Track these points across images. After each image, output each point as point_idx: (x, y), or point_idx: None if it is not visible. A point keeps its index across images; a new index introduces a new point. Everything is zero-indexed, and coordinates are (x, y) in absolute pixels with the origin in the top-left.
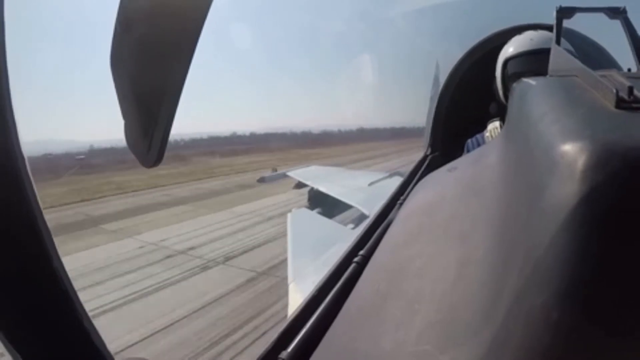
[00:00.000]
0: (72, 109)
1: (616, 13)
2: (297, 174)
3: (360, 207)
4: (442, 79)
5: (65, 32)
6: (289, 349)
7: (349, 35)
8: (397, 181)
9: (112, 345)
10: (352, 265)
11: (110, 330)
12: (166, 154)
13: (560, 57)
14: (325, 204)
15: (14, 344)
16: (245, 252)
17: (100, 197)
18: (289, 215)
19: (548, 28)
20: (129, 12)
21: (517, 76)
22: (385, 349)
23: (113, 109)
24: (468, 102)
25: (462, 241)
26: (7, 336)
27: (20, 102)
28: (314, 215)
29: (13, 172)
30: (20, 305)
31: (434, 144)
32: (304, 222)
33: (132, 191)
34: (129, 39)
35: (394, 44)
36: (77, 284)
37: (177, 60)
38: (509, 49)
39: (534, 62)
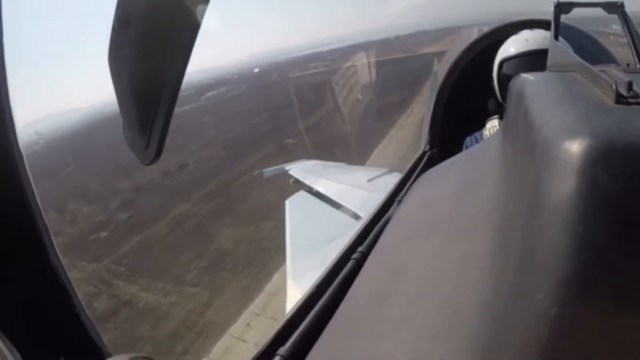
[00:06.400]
0: None
1: (614, 8)
2: (295, 169)
3: (358, 204)
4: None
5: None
6: (287, 345)
7: None
8: (395, 178)
9: None
10: (351, 262)
11: None
12: None
13: (559, 53)
14: (324, 197)
15: (14, 342)
16: None
17: None
18: (287, 202)
19: (546, 23)
20: (127, 9)
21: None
22: (384, 346)
23: None
24: (466, 98)
25: (461, 237)
26: (7, 335)
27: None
28: (313, 200)
29: (12, 172)
30: (20, 304)
31: (432, 140)
32: (303, 209)
33: None
34: (127, 36)
35: None
36: None
37: (176, 57)
38: (505, 50)
39: (530, 62)
